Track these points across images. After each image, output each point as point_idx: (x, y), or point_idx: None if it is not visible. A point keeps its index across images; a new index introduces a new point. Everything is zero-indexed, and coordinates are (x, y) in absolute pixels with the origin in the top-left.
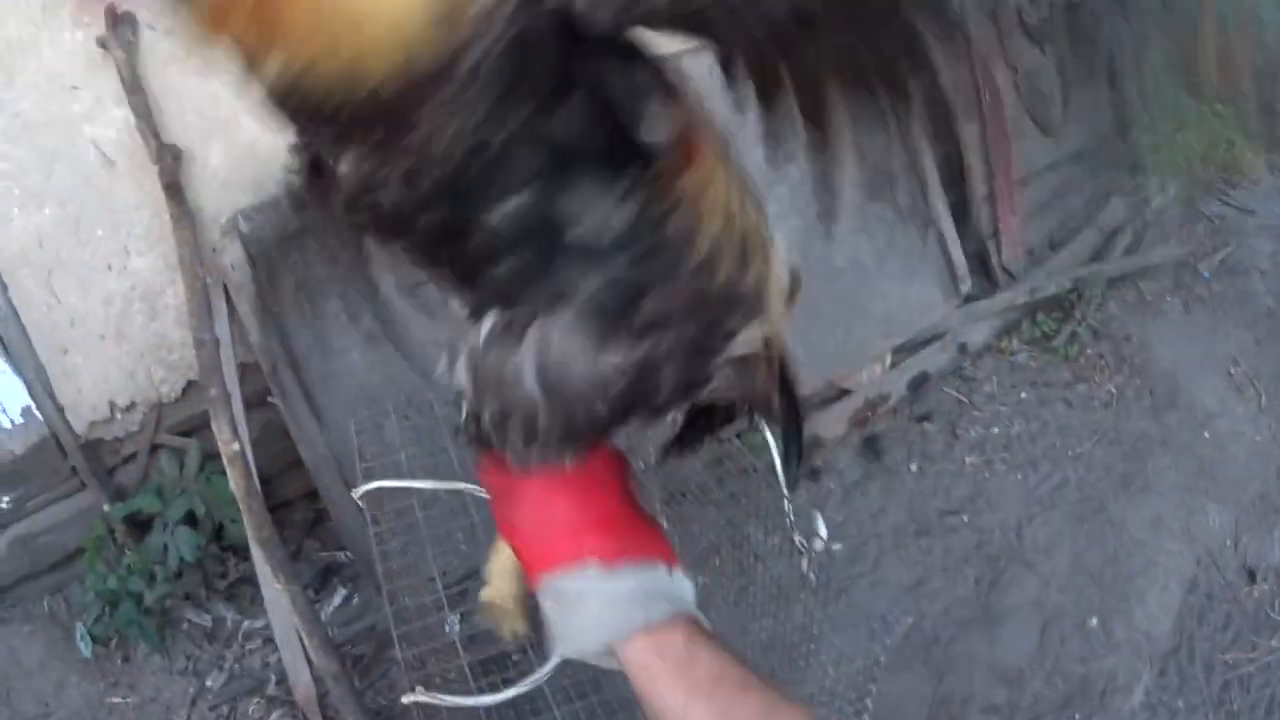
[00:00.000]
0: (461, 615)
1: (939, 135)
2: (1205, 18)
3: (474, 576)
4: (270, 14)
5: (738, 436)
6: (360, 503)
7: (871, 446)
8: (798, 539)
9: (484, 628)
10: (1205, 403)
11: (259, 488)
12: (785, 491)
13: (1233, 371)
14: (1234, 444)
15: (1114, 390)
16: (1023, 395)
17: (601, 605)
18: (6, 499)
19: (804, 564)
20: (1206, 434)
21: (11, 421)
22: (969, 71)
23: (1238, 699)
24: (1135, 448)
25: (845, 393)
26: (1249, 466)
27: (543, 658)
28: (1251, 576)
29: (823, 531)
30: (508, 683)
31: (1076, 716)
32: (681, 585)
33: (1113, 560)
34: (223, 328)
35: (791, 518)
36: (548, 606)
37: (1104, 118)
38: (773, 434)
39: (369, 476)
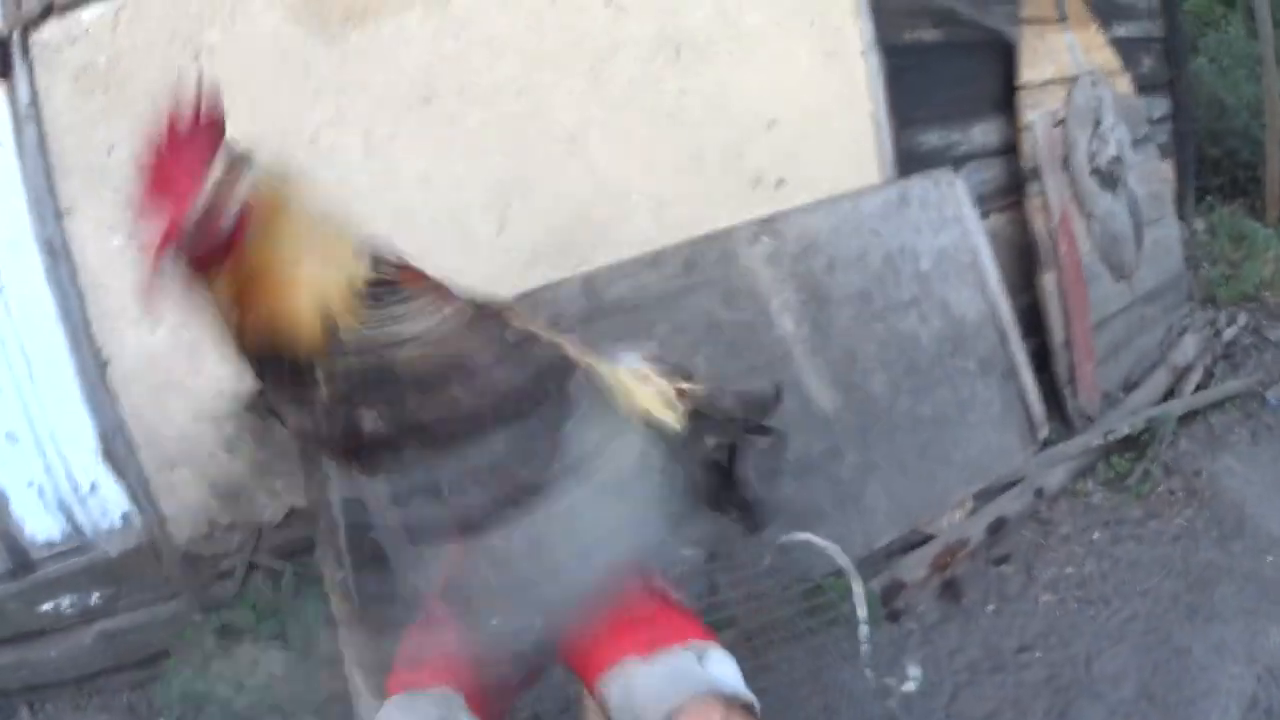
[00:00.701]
0: None
1: (1020, 285)
2: (1271, 141)
3: None
4: (246, 297)
5: (825, 580)
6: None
7: (951, 588)
8: (887, 681)
9: None
10: (1270, 529)
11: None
12: (866, 635)
13: None
14: None
15: (1183, 523)
16: (1096, 535)
17: (644, 690)
18: (97, 595)
19: (891, 704)
20: (1270, 558)
21: (110, 525)
22: (1046, 222)
23: None
24: (1202, 578)
25: (928, 538)
26: None
27: None
28: None
29: (912, 674)
30: None
31: None
32: (720, 666)
33: (1176, 687)
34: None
35: (870, 661)
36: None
37: (1175, 255)
38: (856, 584)
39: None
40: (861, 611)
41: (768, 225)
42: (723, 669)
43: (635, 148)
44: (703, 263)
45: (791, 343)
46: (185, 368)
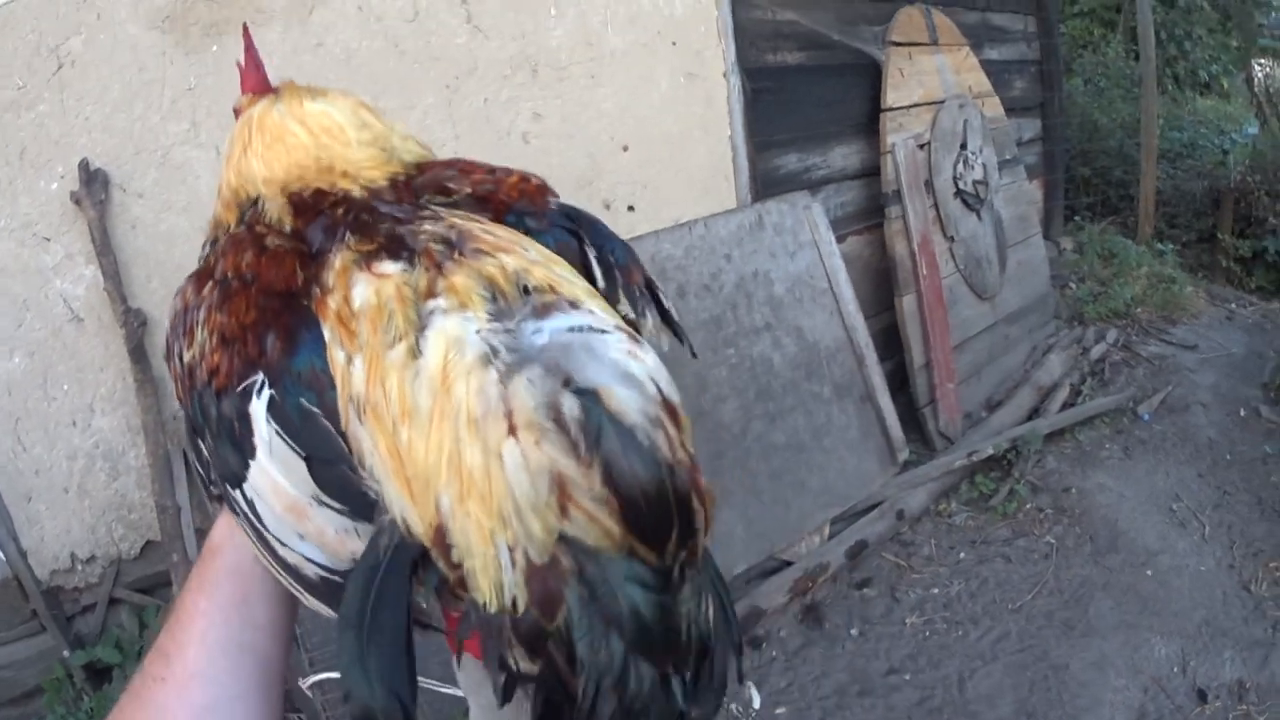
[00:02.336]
0: None
1: (879, 308)
2: (1146, 160)
3: None
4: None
5: None
6: (308, 692)
7: (812, 613)
8: (733, 707)
9: None
10: (1146, 542)
11: None
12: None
13: (1175, 508)
14: (1177, 578)
15: (1053, 541)
16: (962, 555)
17: (487, 697)
18: None
19: None
20: (1149, 571)
21: None
22: (907, 245)
23: None
24: (1076, 594)
25: (785, 564)
26: (1193, 596)
27: None
28: (1202, 697)
29: (755, 700)
30: None
31: None
32: None
33: (1057, 703)
34: (182, 495)
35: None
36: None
37: (1041, 275)
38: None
39: (313, 665)
40: None
41: None
42: None
43: None
44: None
45: None
46: (39, 395)
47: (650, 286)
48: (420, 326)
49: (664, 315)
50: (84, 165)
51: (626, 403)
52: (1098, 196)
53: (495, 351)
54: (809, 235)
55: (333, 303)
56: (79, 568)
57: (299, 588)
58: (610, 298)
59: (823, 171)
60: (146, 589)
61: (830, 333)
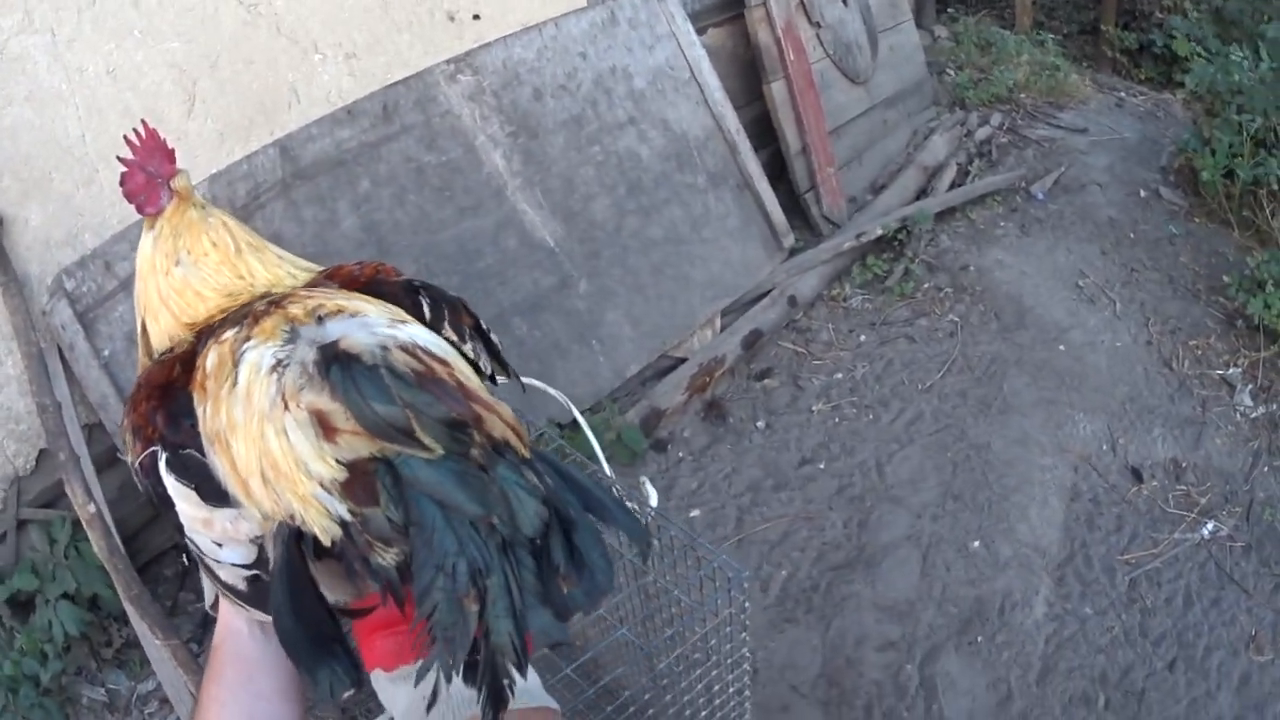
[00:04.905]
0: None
1: (747, 99)
2: None
3: None
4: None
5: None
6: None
7: (715, 410)
8: (631, 506)
9: None
10: (1056, 317)
11: (122, 547)
12: (608, 472)
13: (1081, 284)
14: (1092, 353)
15: (957, 319)
16: (862, 338)
17: (401, 709)
18: None
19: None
20: (1062, 347)
21: None
22: (770, 31)
23: (1149, 595)
24: (988, 371)
25: (680, 361)
26: (1113, 372)
27: None
28: (1137, 476)
29: (653, 498)
30: None
31: (979, 638)
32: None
33: (984, 483)
34: (62, 390)
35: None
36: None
37: (916, 62)
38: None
39: None
40: (596, 445)
41: (466, 61)
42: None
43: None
44: (400, 109)
45: (503, 177)
46: None
47: (479, 328)
48: (235, 363)
49: (493, 353)
50: None
51: (358, 342)
52: None
53: (280, 361)
54: (666, 27)
55: (199, 375)
56: None
57: (240, 603)
58: (435, 327)
59: None
60: (49, 503)
61: (698, 122)
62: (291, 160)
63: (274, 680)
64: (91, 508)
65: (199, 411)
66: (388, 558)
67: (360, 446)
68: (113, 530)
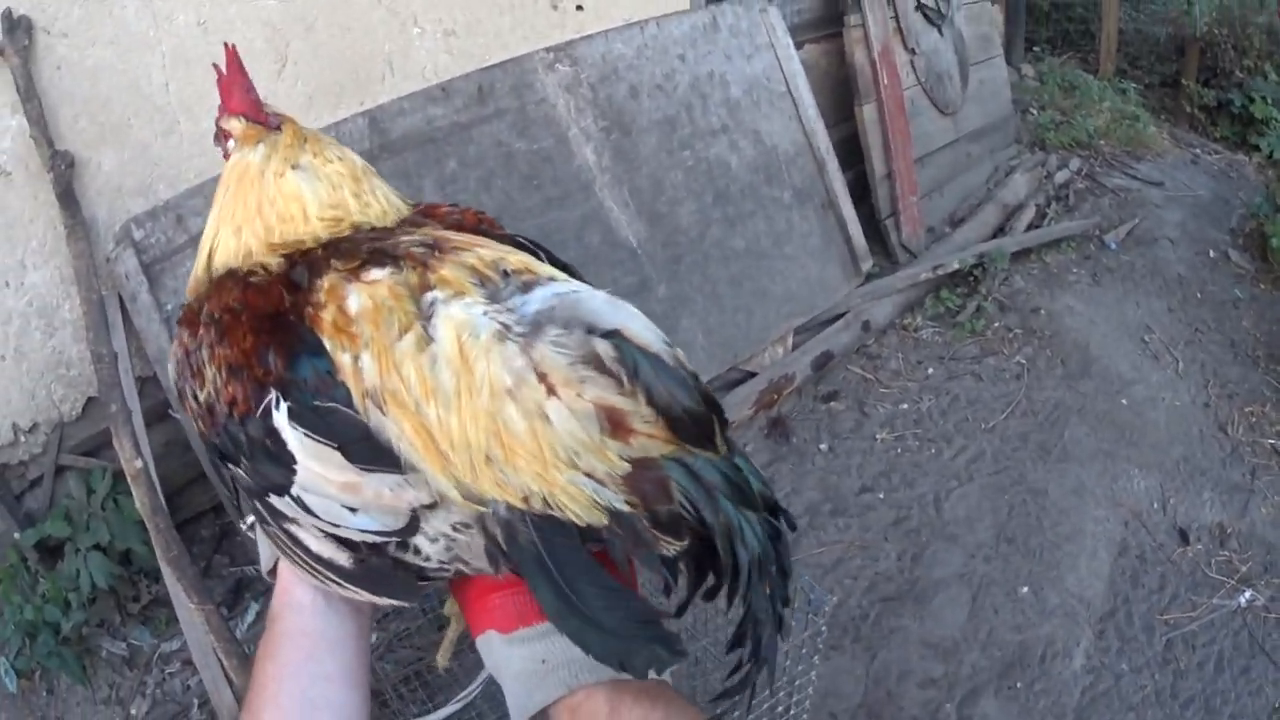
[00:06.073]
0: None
1: (838, 118)
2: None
3: None
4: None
5: None
6: (250, 534)
7: (780, 428)
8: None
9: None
10: (1120, 370)
11: (164, 505)
12: None
13: (1147, 339)
14: (1152, 410)
15: (1024, 362)
16: (930, 371)
17: (514, 672)
18: None
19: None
20: (1124, 401)
21: None
22: (867, 54)
23: (1183, 657)
24: (1050, 417)
25: (749, 375)
26: (1170, 431)
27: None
28: (1184, 537)
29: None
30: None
31: (1019, 684)
32: None
33: (1037, 529)
34: (119, 341)
35: None
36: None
37: (1003, 98)
38: None
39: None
40: None
41: (565, 51)
42: None
43: None
44: (495, 92)
45: (593, 172)
46: None
47: None
48: (424, 316)
49: None
50: (7, 15)
51: (644, 334)
52: (1057, 31)
53: (507, 328)
54: (765, 38)
55: (327, 315)
56: (22, 439)
57: (337, 579)
58: None
59: None
60: (91, 451)
61: (789, 137)
62: (380, 132)
63: (338, 661)
64: (139, 462)
65: (341, 360)
66: (672, 549)
67: (654, 448)
68: (157, 487)
